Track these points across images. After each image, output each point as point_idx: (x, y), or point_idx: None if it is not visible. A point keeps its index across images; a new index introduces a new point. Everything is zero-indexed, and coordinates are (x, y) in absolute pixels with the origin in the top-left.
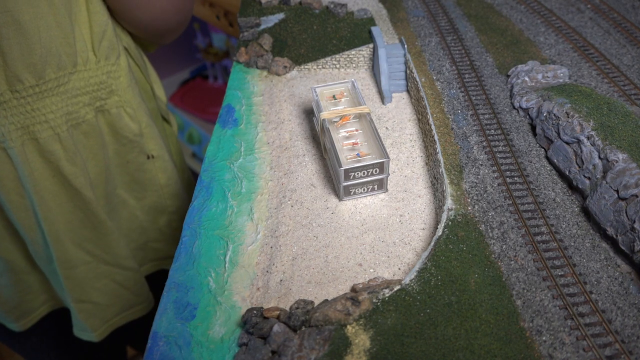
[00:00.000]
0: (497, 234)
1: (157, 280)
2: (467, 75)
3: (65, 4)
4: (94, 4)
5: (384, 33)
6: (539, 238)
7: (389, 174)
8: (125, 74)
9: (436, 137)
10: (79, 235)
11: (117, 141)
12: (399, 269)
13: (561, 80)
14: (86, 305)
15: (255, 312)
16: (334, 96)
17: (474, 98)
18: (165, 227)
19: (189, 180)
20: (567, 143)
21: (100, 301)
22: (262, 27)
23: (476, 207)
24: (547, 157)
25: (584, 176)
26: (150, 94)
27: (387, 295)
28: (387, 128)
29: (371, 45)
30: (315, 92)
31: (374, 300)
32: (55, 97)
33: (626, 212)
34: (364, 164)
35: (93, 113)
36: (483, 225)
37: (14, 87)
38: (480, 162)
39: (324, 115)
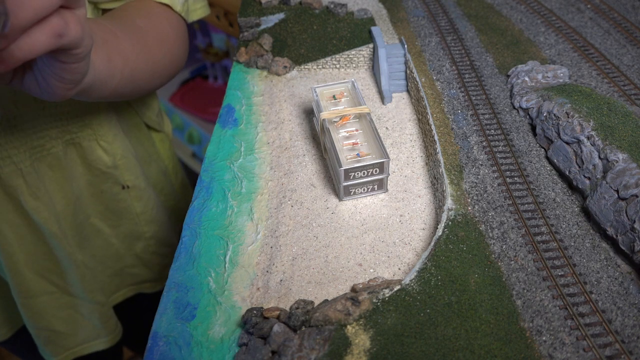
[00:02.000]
0: (497, 234)
1: (134, 304)
2: (467, 75)
3: None
4: None
5: (384, 33)
6: (539, 238)
7: (389, 174)
8: (102, 106)
9: (436, 137)
10: (41, 267)
11: (90, 172)
12: (399, 269)
13: (561, 80)
14: (46, 332)
15: (255, 312)
16: (334, 96)
17: (474, 98)
18: (142, 253)
19: (183, 180)
20: (567, 143)
21: (61, 330)
22: (262, 27)
23: (476, 207)
24: (547, 157)
25: (584, 176)
26: (130, 111)
27: (387, 295)
28: (387, 128)
29: (371, 45)
30: (315, 92)
31: (374, 300)
32: (20, 133)
33: (626, 212)
34: (364, 164)
35: (61, 146)
36: (483, 225)
37: None
38: (480, 162)
39: (324, 115)
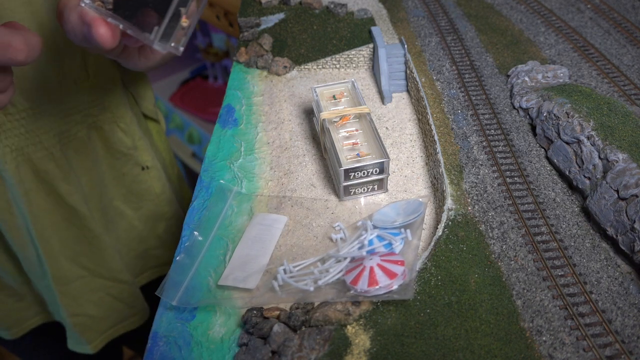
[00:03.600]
0: (497, 234)
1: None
2: (467, 75)
3: (57, 28)
4: None
5: (384, 33)
6: (539, 238)
7: (389, 174)
8: (118, 90)
9: (436, 137)
10: (73, 251)
11: (112, 155)
12: None
13: (561, 80)
14: (81, 318)
15: (255, 312)
16: (334, 96)
17: (474, 98)
18: (164, 234)
19: (179, 173)
20: (567, 143)
21: (95, 314)
22: (262, 27)
23: (476, 207)
24: (547, 157)
25: (584, 176)
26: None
27: None
28: (387, 128)
29: (371, 45)
30: (315, 92)
31: (374, 300)
32: (48, 118)
33: (626, 212)
34: (364, 164)
35: (85, 130)
36: (483, 225)
37: (7, 110)
38: (480, 162)
39: (324, 115)
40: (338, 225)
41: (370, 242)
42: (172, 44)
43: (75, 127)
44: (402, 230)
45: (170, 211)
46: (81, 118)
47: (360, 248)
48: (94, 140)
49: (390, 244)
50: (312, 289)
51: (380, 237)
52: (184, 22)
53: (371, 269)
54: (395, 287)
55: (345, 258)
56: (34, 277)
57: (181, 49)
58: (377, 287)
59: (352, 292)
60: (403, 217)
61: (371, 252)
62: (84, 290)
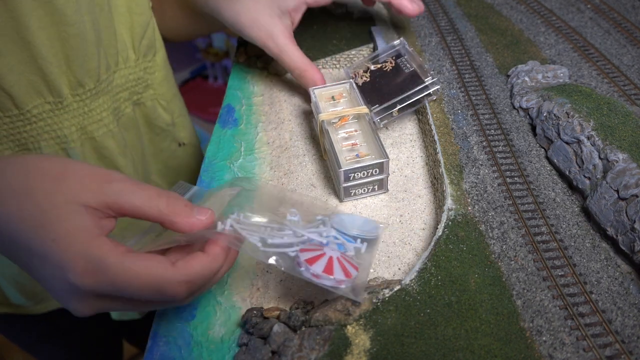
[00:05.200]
0: (497, 234)
1: None
2: (467, 75)
3: (109, 6)
4: (138, 5)
5: (384, 33)
6: (539, 238)
7: (389, 174)
8: (160, 69)
9: (436, 137)
10: (122, 226)
11: (152, 131)
12: (399, 269)
13: (561, 80)
14: None
15: (255, 312)
16: (332, 97)
17: (474, 98)
18: None
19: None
20: (567, 143)
21: None
22: None
23: (476, 207)
24: (547, 157)
25: (584, 176)
26: None
27: (387, 295)
28: (386, 128)
29: (371, 45)
30: (314, 93)
31: (374, 300)
32: (105, 96)
33: (626, 212)
34: (364, 164)
35: (131, 107)
36: (483, 225)
37: (75, 91)
38: (480, 162)
39: (323, 116)
40: (294, 211)
41: (328, 236)
42: None
43: (124, 104)
44: (358, 241)
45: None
46: (128, 95)
47: (321, 237)
48: (138, 116)
49: (343, 246)
50: (259, 244)
51: (335, 237)
52: None
53: (331, 258)
54: (343, 286)
55: (303, 235)
56: None
57: None
58: (331, 276)
59: (301, 269)
60: (358, 231)
61: (327, 245)
62: None
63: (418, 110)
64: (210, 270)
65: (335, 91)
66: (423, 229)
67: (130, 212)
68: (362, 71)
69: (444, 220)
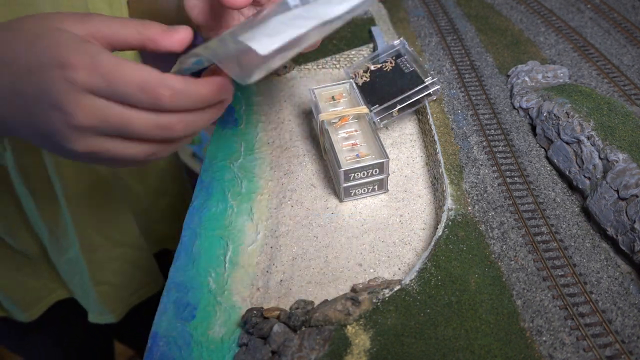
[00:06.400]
0: (497, 234)
1: (160, 260)
2: (467, 75)
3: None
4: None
5: (384, 33)
6: (539, 238)
7: (389, 174)
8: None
9: (436, 137)
10: (97, 219)
11: None
12: (399, 269)
13: (561, 80)
14: (105, 287)
15: (255, 312)
16: (332, 97)
17: (474, 98)
18: (168, 209)
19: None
20: (567, 143)
21: (116, 282)
22: None
23: (476, 207)
24: (547, 157)
25: (584, 176)
26: None
27: (387, 295)
28: (386, 128)
29: (371, 45)
30: (314, 93)
31: (374, 300)
32: None
33: (626, 212)
34: (364, 164)
35: None
36: (483, 225)
37: None
38: (480, 162)
39: (323, 116)
40: None
41: None
42: None
43: None
44: None
45: (175, 188)
46: None
47: None
48: None
49: None
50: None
51: None
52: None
53: None
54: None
55: None
56: (55, 251)
57: None
58: None
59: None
60: None
61: None
62: (105, 258)
63: (418, 110)
64: (198, 93)
65: (335, 91)
66: (423, 229)
67: (112, 38)
68: (362, 71)
69: (444, 220)
